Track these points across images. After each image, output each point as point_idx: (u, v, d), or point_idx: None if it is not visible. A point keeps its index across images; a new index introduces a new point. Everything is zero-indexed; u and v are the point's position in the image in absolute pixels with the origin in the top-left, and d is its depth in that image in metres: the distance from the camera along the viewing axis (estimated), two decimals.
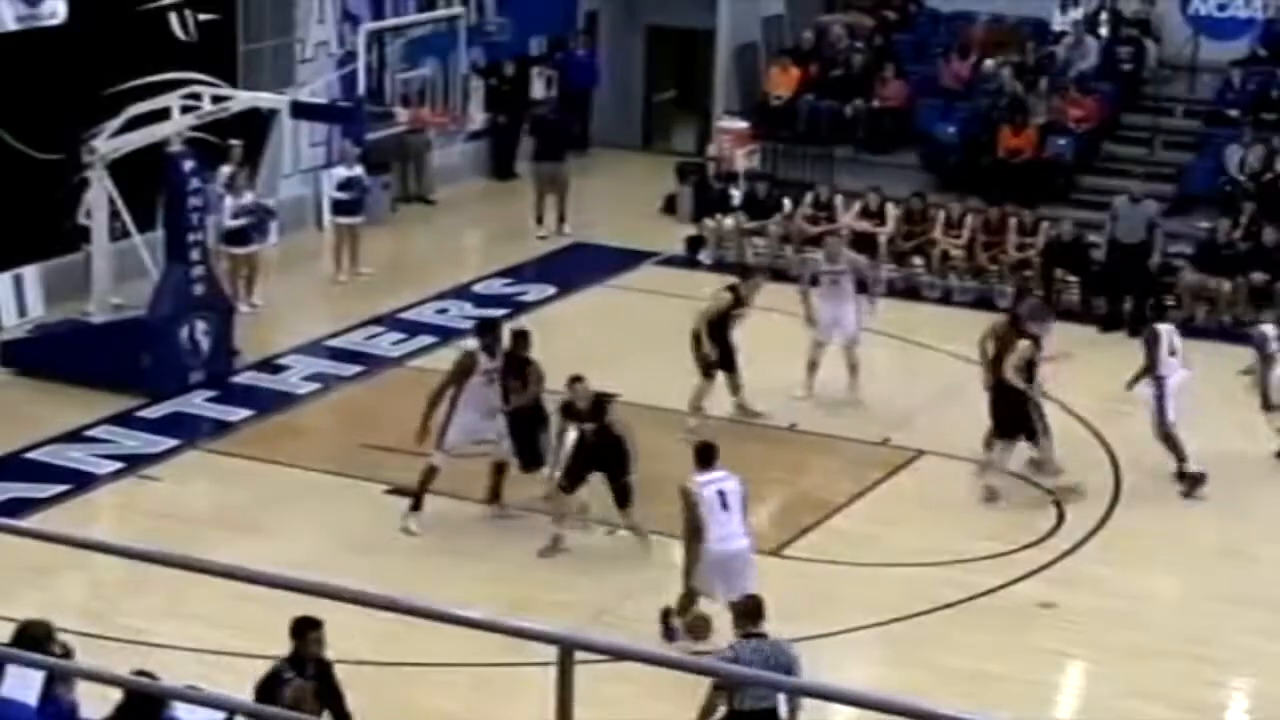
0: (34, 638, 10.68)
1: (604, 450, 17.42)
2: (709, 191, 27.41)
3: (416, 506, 17.99)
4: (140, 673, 9.30)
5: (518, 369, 18.27)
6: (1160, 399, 19.18)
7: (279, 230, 24.11)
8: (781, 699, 13.12)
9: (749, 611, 13.50)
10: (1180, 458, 19.08)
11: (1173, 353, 19.35)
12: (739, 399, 20.24)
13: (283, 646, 15.09)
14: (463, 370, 18.00)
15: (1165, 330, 19.67)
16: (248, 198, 23.63)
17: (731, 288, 20.17)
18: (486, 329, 18.53)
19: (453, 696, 15.20)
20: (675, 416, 20.03)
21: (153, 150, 21.27)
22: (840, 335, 20.76)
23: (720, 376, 20.10)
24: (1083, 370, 22.31)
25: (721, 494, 15.54)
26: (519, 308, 23.94)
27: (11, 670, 10.14)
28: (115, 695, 10.75)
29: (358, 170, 25.25)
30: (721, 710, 13.12)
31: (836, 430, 20.03)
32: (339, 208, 25.16)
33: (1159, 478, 19.49)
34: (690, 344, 19.99)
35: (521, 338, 18.58)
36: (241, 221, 23.45)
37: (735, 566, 15.42)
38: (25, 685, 10.23)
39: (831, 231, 24.00)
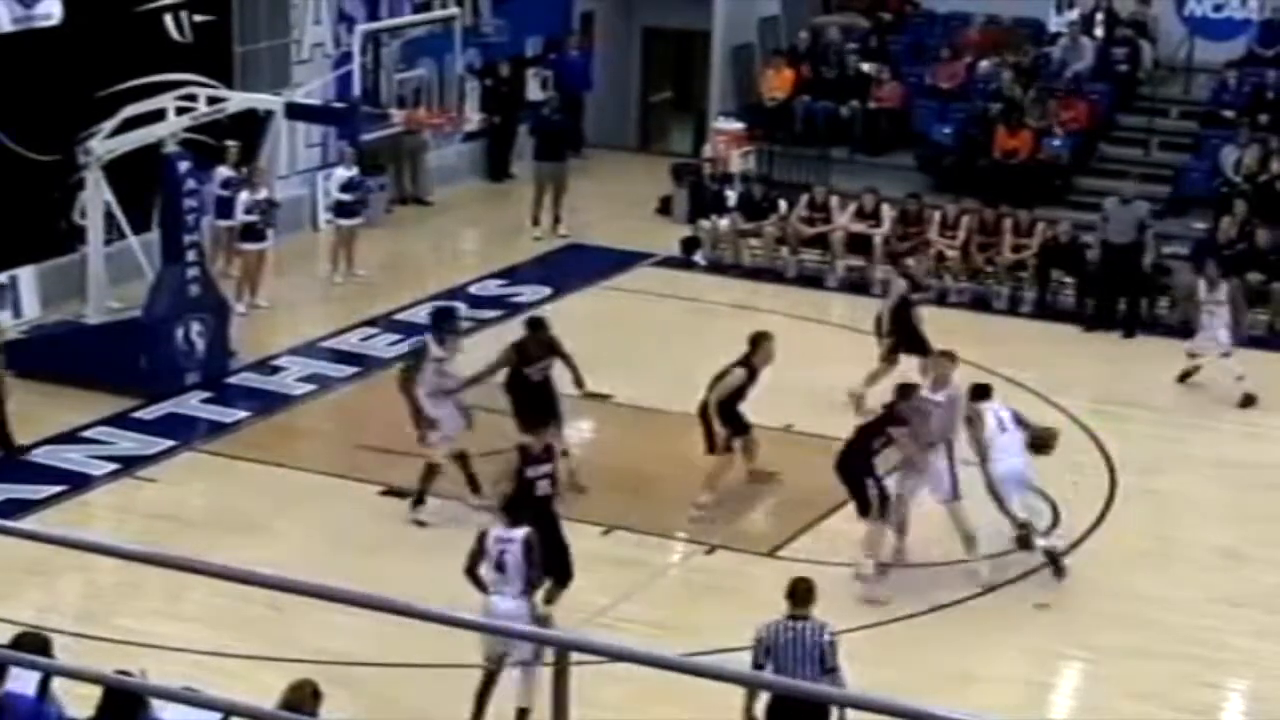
0: (29, 649, 10.69)
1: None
2: (704, 193, 27.41)
3: (420, 501, 18.15)
4: (121, 672, 9.29)
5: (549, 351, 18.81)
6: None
7: (275, 231, 24.10)
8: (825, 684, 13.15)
9: (794, 593, 13.55)
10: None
11: (1003, 429, 17.55)
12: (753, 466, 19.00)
13: (278, 646, 15.13)
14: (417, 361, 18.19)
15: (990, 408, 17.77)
16: (263, 193, 23.66)
17: (743, 361, 18.50)
18: (441, 317, 18.53)
19: (449, 698, 15.18)
20: (671, 418, 20.02)
21: (148, 151, 21.28)
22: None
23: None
24: (1078, 370, 22.37)
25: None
26: (514, 309, 23.93)
27: (13, 670, 10.19)
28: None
29: (356, 171, 25.26)
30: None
31: (832, 431, 19.98)
32: (341, 209, 25.15)
33: (1154, 478, 19.52)
34: (700, 418, 18.63)
35: (539, 325, 19.04)
36: (254, 217, 23.48)
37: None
38: (27, 680, 10.28)
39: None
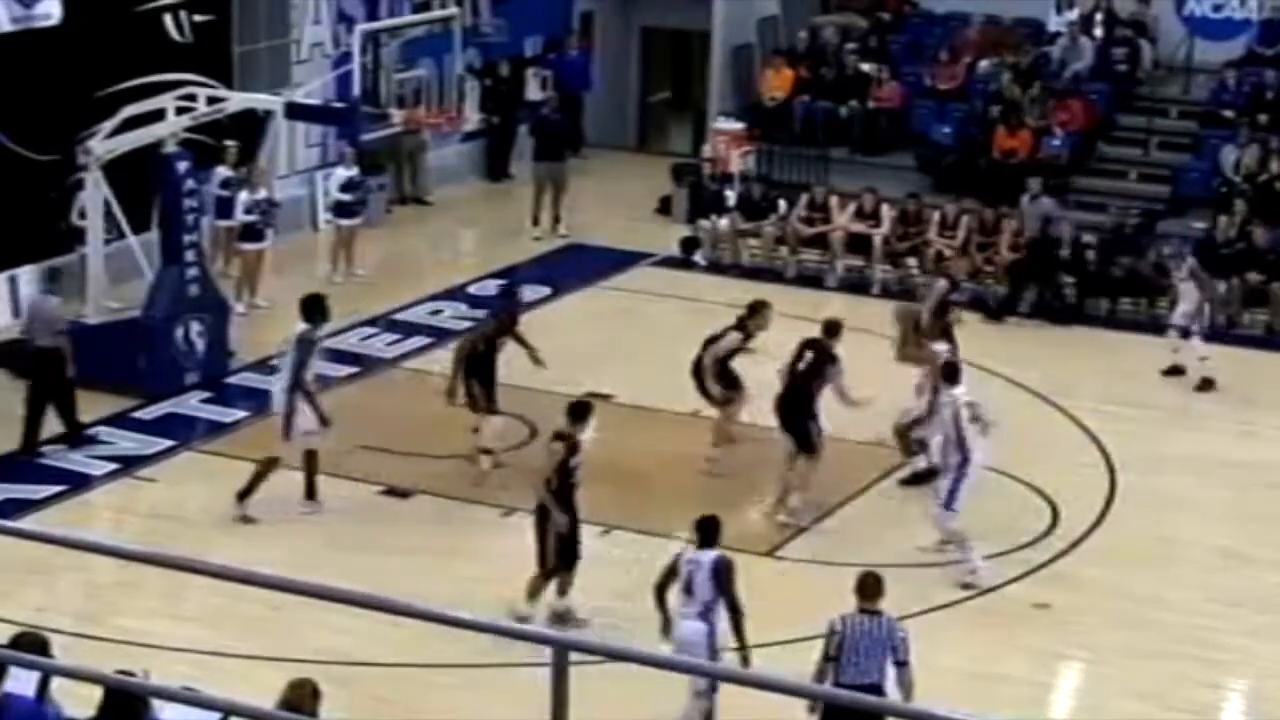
0: (28, 649, 10.68)
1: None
2: (704, 192, 27.41)
3: (246, 495, 18.13)
4: (123, 672, 9.29)
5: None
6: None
7: (275, 231, 24.11)
8: (891, 675, 13.47)
9: (864, 587, 13.74)
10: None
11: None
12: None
13: (278, 646, 15.13)
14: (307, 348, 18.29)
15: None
16: (261, 193, 23.68)
17: (739, 325, 19.18)
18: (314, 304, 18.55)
19: (448, 698, 15.20)
20: (670, 417, 20.04)
21: (148, 151, 21.27)
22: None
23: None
24: (1078, 370, 22.37)
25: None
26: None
27: (13, 670, 10.20)
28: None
29: (356, 171, 25.26)
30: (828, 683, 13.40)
31: (830, 431, 19.99)
32: (341, 209, 25.15)
33: (1154, 478, 19.52)
34: (694, 379, 19.28)
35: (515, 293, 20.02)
36: (254, 217, 23.50)
37: None
38: (27, 681, 10.28)
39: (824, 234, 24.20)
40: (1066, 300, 24.07)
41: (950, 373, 17.63)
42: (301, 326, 18.26)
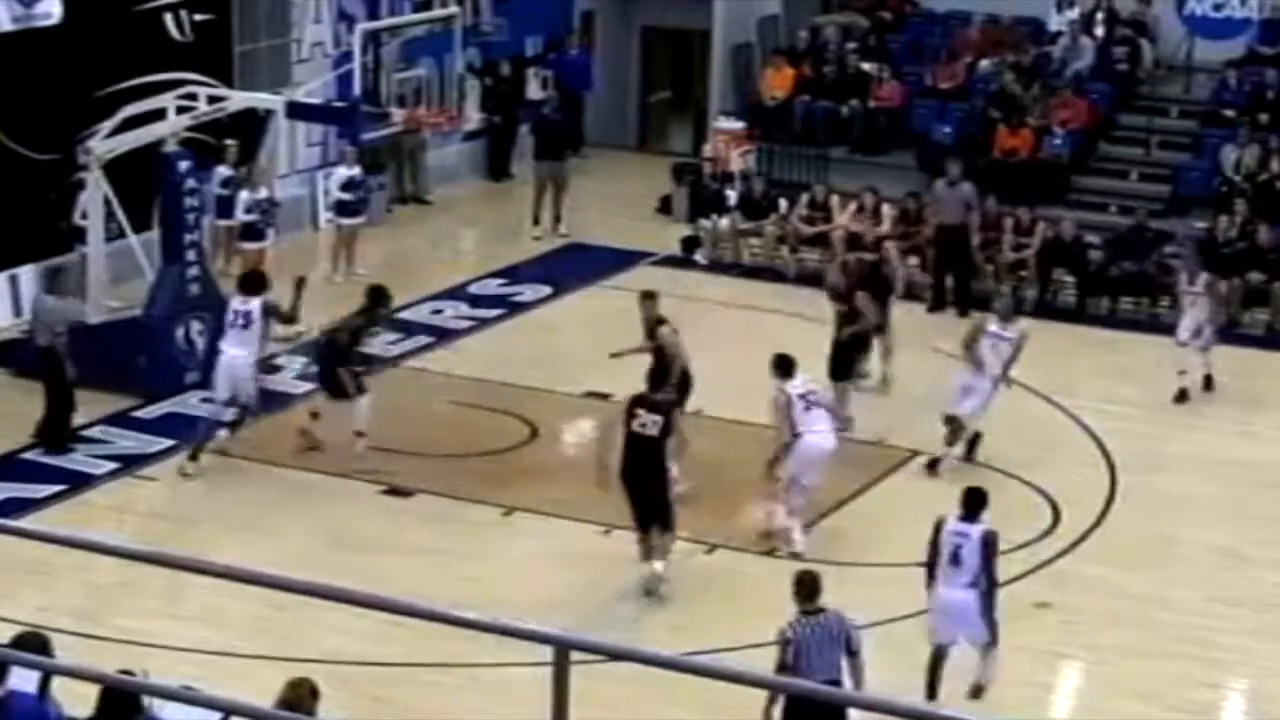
0: (29, 647, 10.68)
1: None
2: (704, 192, 27.42)
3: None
4: (123, 672, 9.29)
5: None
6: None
7: (275, 230, 24.11)
8: (845, 670, 13.51)
9: (803, 589, 13.73)
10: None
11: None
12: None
13: (277, 645, 15.13)
14: None
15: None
16: (262, 193, 23.70)
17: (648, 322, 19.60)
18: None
19: (448, 698, 15.20)
20: None
21: (148, 151, 21.28)
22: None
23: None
24: (1078, 370, 22.36)
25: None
26: (514, 308, 23.95)
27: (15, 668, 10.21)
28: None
29: (358, 170, 25.28)
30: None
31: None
32: (342, 208, 25.16)
33: (1154, 478, 19.52)
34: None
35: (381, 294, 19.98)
36: (254, 216, 23.53)
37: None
38: (29, 679, 10.28)
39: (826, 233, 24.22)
40: (973, 291, 24.02)
41: (782, 365, 17.73)
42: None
